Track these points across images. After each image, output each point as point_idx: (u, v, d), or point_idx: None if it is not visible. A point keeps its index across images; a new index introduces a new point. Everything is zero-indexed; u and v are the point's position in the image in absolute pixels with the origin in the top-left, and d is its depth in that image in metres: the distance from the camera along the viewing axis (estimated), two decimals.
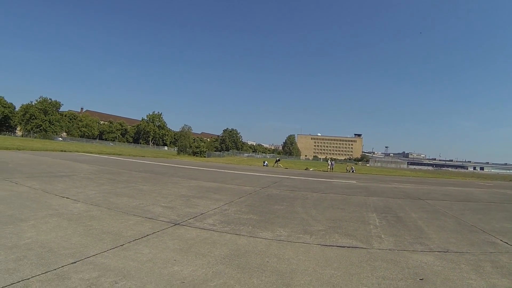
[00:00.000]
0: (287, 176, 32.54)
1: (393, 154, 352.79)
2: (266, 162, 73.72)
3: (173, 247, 6.60)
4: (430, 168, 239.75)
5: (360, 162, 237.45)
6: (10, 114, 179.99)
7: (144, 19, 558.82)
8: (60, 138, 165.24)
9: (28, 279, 4.70)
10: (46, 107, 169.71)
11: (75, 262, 5.40)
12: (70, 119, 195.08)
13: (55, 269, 5.07)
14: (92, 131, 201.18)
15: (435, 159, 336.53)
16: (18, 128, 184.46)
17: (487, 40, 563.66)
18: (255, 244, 7.20)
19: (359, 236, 8.45)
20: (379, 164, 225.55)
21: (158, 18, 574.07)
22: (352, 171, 64.30)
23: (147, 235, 7.35)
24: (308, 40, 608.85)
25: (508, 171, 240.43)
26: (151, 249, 6.34)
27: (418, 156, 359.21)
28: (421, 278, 5.75)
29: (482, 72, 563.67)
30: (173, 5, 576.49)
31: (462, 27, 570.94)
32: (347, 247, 7.36)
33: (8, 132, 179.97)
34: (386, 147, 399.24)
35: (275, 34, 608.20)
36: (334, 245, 7.46)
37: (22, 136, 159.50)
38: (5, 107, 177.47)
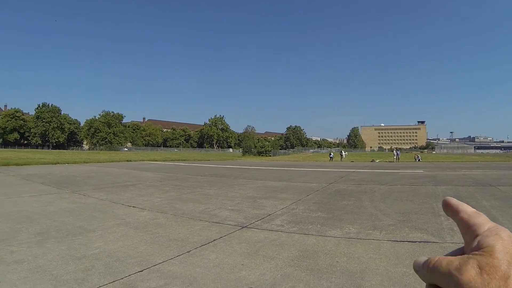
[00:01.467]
0: (353, 170, 32.32)
1: (459, 139, 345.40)
2: (332, 153, 73.45)
3: (240, 251, 6.53)
4: (498, 151, 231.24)
5: (426, 150, 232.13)
6: (76, 130, 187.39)
7: (197, 25, 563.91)
8: (125, 149, 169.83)
9: None
10: (109, 120, 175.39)
11: (141, 271, 5.43)
12: (134, 130, 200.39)
13: (122, 278, 5.11)
14: (156, 139, 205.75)
15: (503, 142, 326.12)
16: (85, 142, 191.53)
17: None
18: (324, 243, 7.05)
19: (430, 230, 8.16)
20: (445, 150, 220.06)
21: (213, 24, 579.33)
22: (419, 160, 63.19)
23: (214, 240, 7.32)
24: (364, 30, 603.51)
25: None
26: (218, 254, 6.29)
27: (485, 140, 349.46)
28: None
29: None
30: (229, 11, 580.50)
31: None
32: (419, 242, 7.12)
33: (76, 146, 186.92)
34: (451, 132, 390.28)
35: (335, 27, 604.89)
36: (405, 240, 7.23)
37: (89, 150, 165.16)
38: (70, 123, 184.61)
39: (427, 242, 7.13)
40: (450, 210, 0.69)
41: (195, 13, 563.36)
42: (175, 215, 10.01)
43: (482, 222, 0.63)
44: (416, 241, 7.14)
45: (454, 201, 0.69)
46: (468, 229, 0.63)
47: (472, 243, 0.59)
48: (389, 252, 6.40)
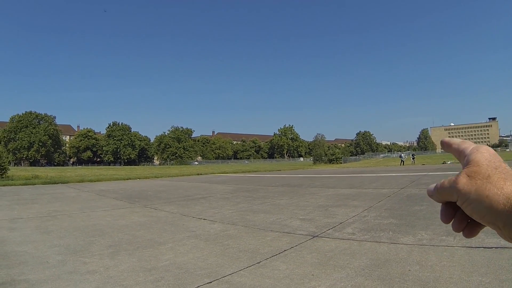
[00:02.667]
0: (425, 173, 31.75)
1: None
2: (402, 154, 72.68)
3: (311, 261, 6.45)
4: None
5: (499, 148, 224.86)
6: (146, 146, 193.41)
7: (258, 33, 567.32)
8: (196, 162, 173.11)
9: None
10: (178, 135, 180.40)
11: (210, 282, 5.45)
12: (203, 144, 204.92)
13: None
14: (226, 151, 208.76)
15: None
16: (155, 158, 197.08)
17: None
18: (396, 251, 6.89)
19: None
20: None
21: (274, 33, 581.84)
22: None
23: (285, 250, 7.27)
24: (423, 25, 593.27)
25: None
26: (288, 265, 6.24)
27: None
28: None
29: None
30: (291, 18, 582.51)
31: None
32: (495, 247, 6.77)
33: (147, 162, 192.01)
34: None
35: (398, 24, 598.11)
36: (480, 246, 6.92)
37: (159, 165, 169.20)
38: (141, 140, 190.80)
39: (504, 247, 6.76)
40: (445, 146, 0.95)
41: (255, 21, 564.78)
42: (245, 226, 10.05)
43: (467, 146, 0.86)
44: (492, 247, 6.82)
45: (446, 139, 0.94)
46: (459, 155, 0.86)
47: (463, 163, 0.82)
48: (464, 260, 6.16)
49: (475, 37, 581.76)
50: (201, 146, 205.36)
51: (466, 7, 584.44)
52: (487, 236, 7.62)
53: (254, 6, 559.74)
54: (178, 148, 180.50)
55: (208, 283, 5.40)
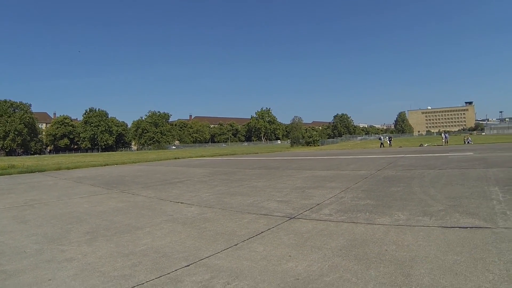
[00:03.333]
0: (402, 155, 32.07)
1: (509, 118, 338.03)
2: (381, 137, 73.33)
3: (288, 242, 6.52)
4: None
5: (475, 132, 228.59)
6: (123, 132, 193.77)
7: (238, 20, 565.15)
8: (173, 147, 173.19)
9: (143, 284, 4.84)
10: (156, 120, 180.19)
11: (188, 265, 5.48)
12: (181, 128, 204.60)
13: (168, 273, 5.17)
14: (204, 135, 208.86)
15: None
16: (133, 143, 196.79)
17: None
18: (373, 231, 6.97)
19: (482, 214, 7.93)
20: (495, 131, 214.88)
21: (253, 18, 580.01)
22: (468, 142, 62.28)
23: (262, 232, 7.34)
24: (399, 13, 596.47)
25: None
26: (265, 246, 6.30)
27: None
28: None
29: None
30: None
31: None
32: (470, 227, 6.91)
33: (124, 148, 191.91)
34: (501, 112, 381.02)
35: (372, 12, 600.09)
36: (456, 226, 7.04)
37: (137, 150, 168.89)
38: (118, 126, 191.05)
39: (479, 227, 6.91)
40: None
41: (230, 6, 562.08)
42: (223, 209, 10.08)
43: None
44: (467, 227, 6.95)
45: None
46: None
47: None
48: (439, 239, 6.25)
49: (451, 24, 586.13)
50: (179, 130, 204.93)
51: None
52: (462, 216, 7.75)
53: None
54: (156, 132, 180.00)
55: (185, 266, 5.43)
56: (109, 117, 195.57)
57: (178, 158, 48.28)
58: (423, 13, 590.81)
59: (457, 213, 8.12)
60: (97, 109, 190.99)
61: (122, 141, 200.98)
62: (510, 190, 10.93)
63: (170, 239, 7.10)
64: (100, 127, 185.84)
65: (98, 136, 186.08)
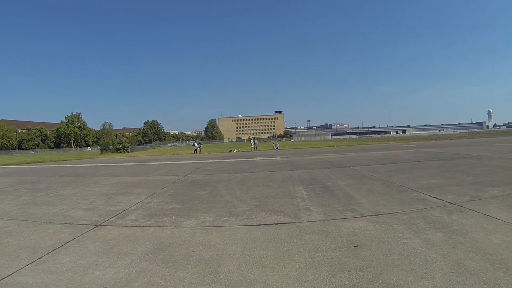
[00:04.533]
0: (211, 160, 32.47)
1: (316, 126, 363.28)
2: (195, 143, 74.06)
3: (94, 250, 6.31)
4: (354, 136, 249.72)
5: (284, 139, 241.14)
6: None
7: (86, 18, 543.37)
8: None
9: None
10: None
11: None
12: None
13: None
14: (10, 141, 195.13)
15: (358, 128, 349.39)
16: None
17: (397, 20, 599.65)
18: (179, 234, 7.01)
19: (287, 211, 8.37)
20: (303, 138, 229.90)
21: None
22: (276, 148, 65.17)
23: (67, 242, 7.01)
24: (214, 26, 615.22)
25: (428, 132, 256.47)
26: (71, 257, 6.02)
27: (341, 126, 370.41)
28: (355, 245, 5.71)
29: (402, 44, 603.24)
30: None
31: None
32: (275, 224, 7.25)
33: None
34: (309, 120, 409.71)
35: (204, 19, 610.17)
36: (261, 223, 7.34)
37: None
38: None
39: (284, 223, 7.27)
40: None
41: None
42: (27, 220, 9.45)
43: None
44: (272, 223, 7.27)
45: None
46: None
47: None
48: (246, 237, 6.47)
49: (265, 39, 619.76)
50: None
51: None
52: (268, 214, 8.08)
53: None
54: None
55: None
56: None
57: None
58: (242, 26, 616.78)
59: (263, 212, 8.47)
60: None
61: None
62: (313, 188, 11.68)
63: None
64: None
65: None
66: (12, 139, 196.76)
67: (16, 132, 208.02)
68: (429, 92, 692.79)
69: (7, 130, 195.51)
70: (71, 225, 8.47)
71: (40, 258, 6.06)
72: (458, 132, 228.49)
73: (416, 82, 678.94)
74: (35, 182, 19.47)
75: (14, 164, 47.05)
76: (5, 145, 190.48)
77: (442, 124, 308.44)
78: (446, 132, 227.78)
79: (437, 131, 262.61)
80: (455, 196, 9.31)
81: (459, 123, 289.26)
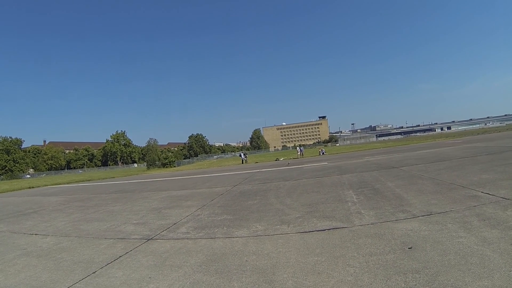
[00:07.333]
0: (258, 170, 32.51)
1: (360, 129, 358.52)
2: (242, 154, 74.32)
3: (147, 264, 6.33)
4: (399, 136, 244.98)
5: (329, 143, 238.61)
6: None
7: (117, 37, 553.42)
8: (27, 175, 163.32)
9: None
10: (7, 146, 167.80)
11: None
12: (35, 154, 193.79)
13: None
14: (59, 162, 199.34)
15: (402, 127, 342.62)
16: None
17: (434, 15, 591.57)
18: (232, 244, 6.97)
19: (338, 216, 8.27)
20: (348, 142, 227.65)
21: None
22: (323, 153, 64.52)
23: (120, 256, 7.07)
24: (262, 36, 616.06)
25: (474, 126, 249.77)
26: (124, 271, 6.06)
27: (386, 127, 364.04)
28: (409, 247, 5.59)
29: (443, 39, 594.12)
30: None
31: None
32: (327, 229, 7.17)
33: None
34: (353, 124, 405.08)
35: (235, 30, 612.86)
36: (314, 230, 7.26)
37: None
38: None
39: (336, 228, 7.19)
40: None
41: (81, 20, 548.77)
42: (79, 236, 9.62)
43: None
44: (325, 229, 7.19)
45: None
46: None
47: None
48: (299, 244, 6.39)
49: (298, 46, 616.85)
50: (33, 157, 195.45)
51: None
52: (320, 220, 7.99)
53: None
54: (8, 160, 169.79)
55: None
56: None
57: (33, 187, 45.90)
58: (271, 34, 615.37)
59: (314, 218, 8.38)
60: None
61: None
62: (363, 191, 11.54)
63: (24, 274, 6.61)
64: None
65: None
66: (60, 159, 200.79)
67: (64, 153, 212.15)
68: (473, 85, 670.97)
69: (55, 152, 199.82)
70: (123, 240, 8.58)
71: (94, 273, 6.14)
72: (505, 124, 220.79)
73: (459, 76, 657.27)
74: (85, 200, 19.86)
75: (64, 183, 48.16)
76: (54, 166, 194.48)
77: (488, 117, 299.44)
78: (493, 125, 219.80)
79: (483, 124, 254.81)
80: (509, 190, 9.03)
81: (505, 115, 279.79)
